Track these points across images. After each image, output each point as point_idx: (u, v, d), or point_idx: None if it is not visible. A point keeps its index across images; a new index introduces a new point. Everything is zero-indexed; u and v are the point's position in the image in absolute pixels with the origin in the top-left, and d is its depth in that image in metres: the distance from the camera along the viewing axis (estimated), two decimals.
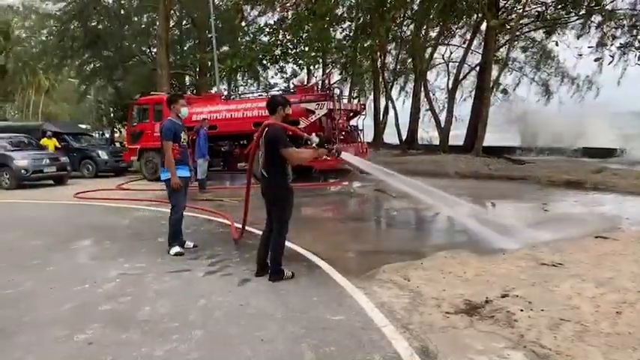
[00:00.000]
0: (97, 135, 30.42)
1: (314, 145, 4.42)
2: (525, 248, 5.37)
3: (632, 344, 3.01)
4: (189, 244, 5.98)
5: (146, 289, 4.43)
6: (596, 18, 17.12)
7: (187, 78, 29.82)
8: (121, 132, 31.34)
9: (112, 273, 4.95)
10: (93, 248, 6.22)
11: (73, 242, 6.51)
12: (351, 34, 20.25)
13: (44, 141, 16.40)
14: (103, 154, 17.46)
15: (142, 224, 7.84)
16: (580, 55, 18.97)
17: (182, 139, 5.78)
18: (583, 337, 3.12)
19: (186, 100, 15.85)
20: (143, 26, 27.44)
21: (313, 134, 4.51)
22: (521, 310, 3.56)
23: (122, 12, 27.10)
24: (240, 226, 6.09)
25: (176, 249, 5.69)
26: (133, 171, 17.51)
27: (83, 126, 28.85)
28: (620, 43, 17.34)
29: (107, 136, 31.53)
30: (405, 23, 21.42)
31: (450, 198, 5.41)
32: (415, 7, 19.67)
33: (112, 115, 32.38)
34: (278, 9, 19.40)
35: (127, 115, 18.03)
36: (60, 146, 16.92)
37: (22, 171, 13.66)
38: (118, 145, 25.65)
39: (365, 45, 18.82)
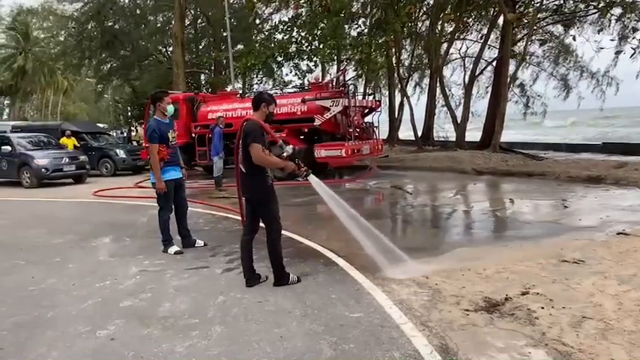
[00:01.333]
0: (116, 134, 30.82)
1: (284, 155, 4.27)
2: (545, 245, 5.30)
3: None
4: (199, 242, 6.01)
5: (166, 285, 4.48)
6: (616, 10, 16.76)
7: (203, 76, 30.02)
8: (137, 130, 31.71)
9: (132, 270, 5.02)
10: (113, 245, 6.30)
11: (93, 240, 6.61)
12: (365, 31, 20.16)
13: (63, 140, 16.65)
14: (121, 153, 17.66)
15: None
16: (601, 48, 18.60)
17: (170, 139, 5.64)
18: (606, 335, 3.07)
19: (202, 98, 15.90)
20: (159, 26, 27.73)
21: (290, 145, 4.38)
22: (542, 308, 3.52)
23: (138, 12, 27.41)
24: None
25: (174, 248, 5.69)
26: (150, 169, 17.68)
27: (101, 125, 29.26)
28: None
29: (125, 134, 31.89)
30: (420, 18, 21.22)
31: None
32: (431, 2, 19.50)
33: (129, 113, 32.78)
34: (292, 6, 19.37)
35: (143, 114, 18.20)
36: (79, 145, 17.18)
37: (43, 170, 13.90)
38: (135, 143, 25.95)
39: (380, 41, 18.71)
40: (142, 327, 3.52)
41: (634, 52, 16.98)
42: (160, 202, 5.76)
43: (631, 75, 18.50)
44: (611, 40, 17.98)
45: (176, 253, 5.64)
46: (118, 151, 17.75)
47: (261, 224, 4.44)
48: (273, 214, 4.31)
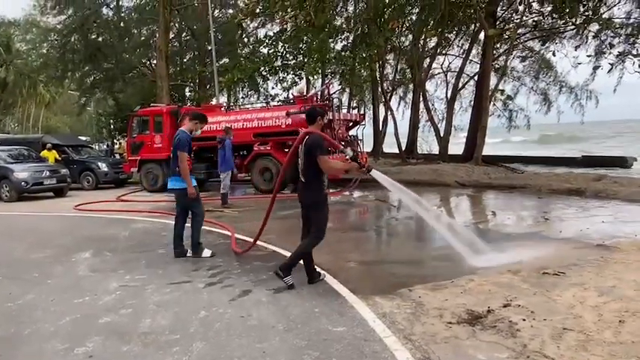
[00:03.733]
0: (98, 146, 30.53)
1: (347, 157, 4.61)
2: (525, 258, 5.36)
3: (635, 353, 2.99)
4: (207, 253, 6.14)
5: (147, 301, 4.41)
6: (594, 27, 17.21)
7: (187, 89, 29.95)
8: (120, 144, 31.42)
9: (112, 285, 4.93)
10: (93, 260, 6.20)
11: (73, 254, 6.49)
12: (349, 45, 20.36)
13: (44, 153, 16.43)
14: (103, 166, 17.45)
15: (142, 236, 7.83)
16: (579, 63, 19.05)
17: (192, 152, 6.17)
18: (586, 347, 3.10)
19: (186, 112, 15.77)
20: (143, 38, 27.63)
21: (348, 148, 4.70)
22: (524, 320, 3.54)
23: (122, 25, 27.29)
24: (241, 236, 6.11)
25: (208, 251, 6.09)
26: (133, 182, 17.51)
27: (83, 138, 28.93)
28: (619, 52, 17.42)
29: (107, 147, 31.57)
30: (403, 33, 21.51)
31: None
32: (413, 18, 19.78)
33: (111, 126, 32.47)
34: (277, 20, 19.50)
35: (126, 127, 18.07)
36: (60, 158, 16.94)
37: (22, 183, 13.67)
38: (117, 156, 25.69)
39: (364, 55, 18.90)
40: (122, 343, 3.45)
41: (611, 68, 17.44)
42: (193, 208, 6.14)
43: (609, 89, 18.99)
44: (588, 56, 18.43)
45: (211, 255, 6.02)
46: (100, 164, 17.54)
47: None
48: (321, 222, 4.61)
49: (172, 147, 6.09)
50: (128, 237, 7.76)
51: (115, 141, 32.57)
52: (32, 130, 42.97)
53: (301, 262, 4.67)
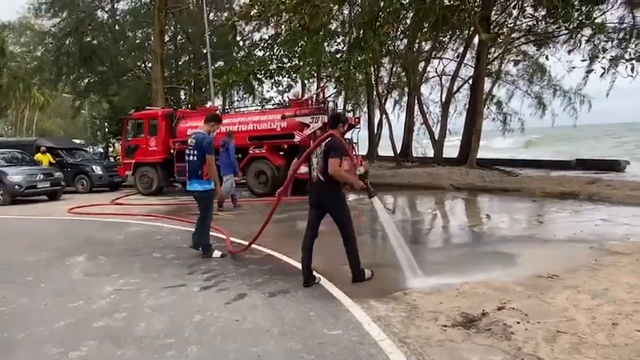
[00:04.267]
0: (98, 149, 30.43)
1: (357, 173, 4.75)
2: (520, 260, 5.38)
3: (628, 356, 3.01)
4: (217, 253, 6.27)
5: (141, 304, 4.40)
6: (587, 31, 17.35)
7: (183, 93, 29.91)
8: (114, 147, 31.33)
9: (106, 289, 4.92)
10: (87, 264, 6.17)
11: (67, 258, 6.46)
12: (344, 49, 20.42)
13: (38, 156, 16.36)
14: (98, 169, 17.42)
15: (136, 239, 7.80)
16: (573, 67, 19.18)
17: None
18: (580, 349, 3.12)
19: (181, 115, 15.72)
20: (138, 41, 27.59)
21: (362, 167, 4.94)
22: (518, 323, 3.56)
23: (117, 28, 27.25)
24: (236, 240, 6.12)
25: (218, 252, 6.24)
26: (128, 185, 17.46)
27: (77, 141, 28.83)
28: (612, 56, 17.58)
29: (103, 150, 31.49)
30: (398, 37, 21.60)
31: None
32: (408, 22, 19.86)
33: (106, 129, 32.39)
34: (272, 24, 19.52)
35: (121, 130, 18.03)
36: (54, 161, 16.89)
37: (16, 186, 13.61)
38: (112, 159, 25.63)
39: (359, 59, 18.96)
40: (116, 348, 3.44)
41: (603, 72, 17.58)
42: (206, 209, 6.33)
43: (602, 93, 19.13)
44: (582, 60, 18.58)
45: (222, 256, 6.18)
46: (94, 167, 17.49)
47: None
48: (347, 218, 4.81)
49: (193, 149, 6.14)
50: (123, 241, 7.73)
51: (109, 144, 32.50)
52: (26, 133, 42.80)
53: (298, 265, 4.67)
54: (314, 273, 4.87)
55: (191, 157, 6.18)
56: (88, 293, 4.77)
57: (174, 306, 4.34)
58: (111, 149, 31.83)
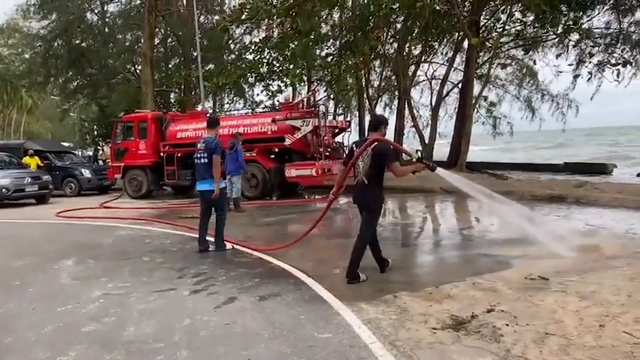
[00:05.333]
0: (86, 152, 30.16)
1: (414, 160, 4.92)
2: (509, 263, 5.43)
3: (615, 357, 3.05)
4: (229, 246, 6.80)
5: (130, 309, 4.37)
6: (574, 36, 17.58)
7: (172, 95, 29.78)
8: (104, 150, 31.08)
9: (95, 293, 4.87)
10: (76, 268, 6.12)
11: (55, 262, 6.40)
12: (335, 52, 20.49)
13: (26, 159, 16.19)
14: (86, 172, 17.26)
15: (126, 243, 7.75)
16: (560, 72, 19.42)
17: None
18: (568, 351, 3.15)
19: (171, 117, 15.65)
20: (128, 44, 27.44)
21: (413, 151, 5.19)
22: (507, 325, 3.59)
23: (106, 30, 27.08)
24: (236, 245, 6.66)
25: (230, 245, 6.76)
26: (116, 189, 17.34)
27: (66, 144, 28.58)
28: (598, 61, 17.81)
29: (93, 153, 31.22)
30: (388, 41, 21.70)
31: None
32: (398, 26, 19.97)
33: (95, 132, 32.14)
34: (264, 28, 19.55)
35: (110, 133, 17.92)
36: (42, 164, 16.72)
37: (3, 190, 13.44)
38: (101, 162, 25.42)
39: (349, 63, 19.03)
40: (105, 352, 3.41)
41: (590, 76, 17.82)
42: (219, 205, 6.73)
43: (587, 97, 19.37)
44: (570, 65, 18.80)
45: (232, 248, 6.77)
46: (82, 170, 17.34)
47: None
48: (374, 221, 5.08)
49: (203, 151, 6.55)
50: (112, 244, 7.68)
51: (98, 147, 32.26)
52: (14, 136, 42.33)
53: (289, 268, 4.68)
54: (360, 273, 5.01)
55: (201, 160, 6.57)
56: (76, 297, 4.73)
57: (163, 310, 4.31)
58: (100, 152, 31.59)
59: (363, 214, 5.06)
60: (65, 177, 17.15)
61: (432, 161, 4.98)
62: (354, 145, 5.23)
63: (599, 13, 17.32)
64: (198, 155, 6.62)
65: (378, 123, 5.12)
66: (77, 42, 26.58)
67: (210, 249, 6.70)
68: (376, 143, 4.80)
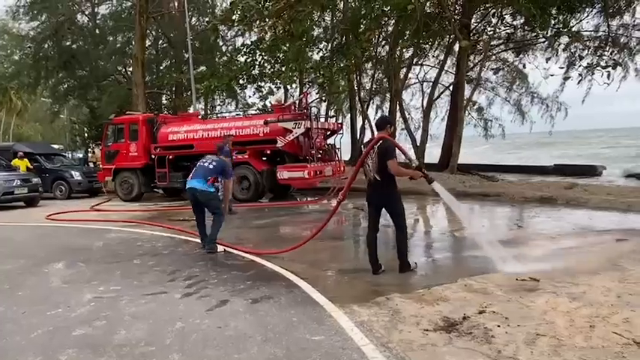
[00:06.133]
0: (77, 155, 29.95)
1: (413, 165, 5.19)
2: (500, 265, 5.45)
3: (605, 357, 3.07)
4: (220, 248, 6.85)
5: (121, 312, 4.34)
6: (564, 39, 17.74)
7: (164, 97, 29.67)
8: (94, 152, 30.86)
9: (86, 296, 4.84)
10: (66, 271, 6.07)
11: (45, 265, 6.35)
12: (327, 55, 20.52)
13: (15, 162, 16.04)
14: (76, 175, 17.14)
15: (117, 246, 7.70)
16: (550, 75, 19.57)
17: None
18: (559, 352, 3.17)
19: (162, 120, 15.55)
20: (119, 46, 27.29)
21: (415, 158, 5.48)
22: (498, 326, 3.61)
23: (97, 32, 26.93)
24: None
25: (222, 248, 6.83)
26: (107, 191, 17.22)
27: (56, 146, 28.34)
28: (588, 63, 17.99)
29: (83, 156, 31.00)
30: (380, 44, 21.79)
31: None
32: (390, 29, 20.05)
33: (86, 135, 31.92)
34: (256, 30, 19.54)
35: (101, 135, 17.81)
36: (32, 167, 16.57)
37: None
38: (92, 165, 25.25)
39: (341, 65, 19.07)
40: (96, 356, 3.39)
41: (580, 79, 17.98)
42: (213, 209, 6.87)
43: (578, 100, 19.54)
44: (560, 67, 18.97)
45: (224, 251, 6.82)
46: (73, 172, 17.21)
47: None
48: (402, 214, 5.25)
49: (213, 162, 6.93)
50: (102, 247, 7.62)
51: (89, 149, 32.04)
52: (3, 138, 41.93)
53: (281, 270, 4.67)
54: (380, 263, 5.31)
55: (206, 164, 6.87)
56: (66, 301, 4.69)
57: (155, 313, 4.29)
58: (90, 154, 31.35)
59: (371, 211, 5.35)
60: (55, 179, 17.01)
61: (430, 175, 5.19)
62: (362, 146, 5.42)
63: (587, 16, 17.53)
64: (205, 160, 6.94)
65: (384, 123, 5.40)
66: (67, 43, 26.41)
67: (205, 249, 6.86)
68: (381, 141, 5.03)
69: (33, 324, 4.10)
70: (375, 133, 5.92)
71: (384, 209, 5.32)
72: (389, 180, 5.09)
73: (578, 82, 18.20)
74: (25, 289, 5.26)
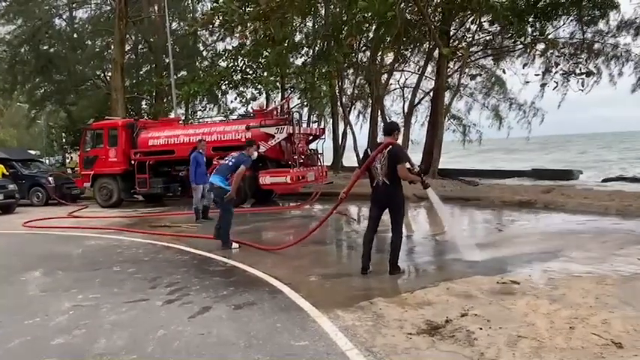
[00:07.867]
0: (48, 161, 29.34)
1: (415, 170, 5.54)
2: (481, 268, 5.52)
3: (585, 358, 3.13)
4: (235, 245, 7.33)
5: (101, 320, 4.27)
6: (540, 46, 18.10)
7: (144, 102, 29.36)
8: (72, 158, 30.35)
9: (64, 305, 4.74)
10: (44, 279, 5.95)
11: (22, 274, 6.21)
12: (309, 60, 20.58)
13: None
14: (54, 181, 16.81)
15: (95, 253, 7.57)
16: (527, 82, 19.92)
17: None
18: (539, 353, 3.22)
19: (143, 125, 15.32)
20: (97, 50, 26.98)
21: (416, 165, 5.74)
22: (481, 329, 3.65)
23: (75, 36, 26.56)
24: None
25: (236, 245, 7.31)
26: (86, 198, 16.94)
27: (32, 152, 27.80)
28: (563, 70, 18.37)
29: (60, 162, 30.44)
30: (361, 50, 21.94)
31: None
32: (371, 35, 20.21)
33: (63, 140, 31.40)
34: (237, 35, 19.50)
35: (79, 140, 17.52)
36: (8, 173, 16.19)
37: None
38: (69, 171, 24.80)
39: (323, 70, 19.14)
40: None
41: (556, 85, 18.37)
42: (222, 206, 7.39)
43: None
44: (536, 74, 19.33)
45: (239, 247, 7.30)
46: (50, 179, 16.88)
47: None
48: (402, 216, 5.53)
49: (233, 158, 7.49)
50: (81, 255, 7.49)
51: (66, 155, 31.51)
52: None
53: (264, 276, 4.65)
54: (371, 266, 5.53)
55: (227, 161, 7.51)
56: (44, 310, 4.59)
57: (136, 321, 4.23)
58: (68, 160, 30.82)
59: (374, 212, 5.60)
60: (32, 186, 16.67)
61: (427, 181, 5.62)
62: (368, 150, 5.68)
63: (564, 24, 17.91)
64: (228, 159, 7.58)
65: (392, 129, 5.63)
66: (45, 48, 25.99)
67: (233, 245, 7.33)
68: (391, 147, 5.27)
69: (10, 334, 4.00)
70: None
71: (384, 210, 5.55)
72: (396, 183, 5.32)
73: (554, 89, 18.59)
74: (2, 298, 5.14)
